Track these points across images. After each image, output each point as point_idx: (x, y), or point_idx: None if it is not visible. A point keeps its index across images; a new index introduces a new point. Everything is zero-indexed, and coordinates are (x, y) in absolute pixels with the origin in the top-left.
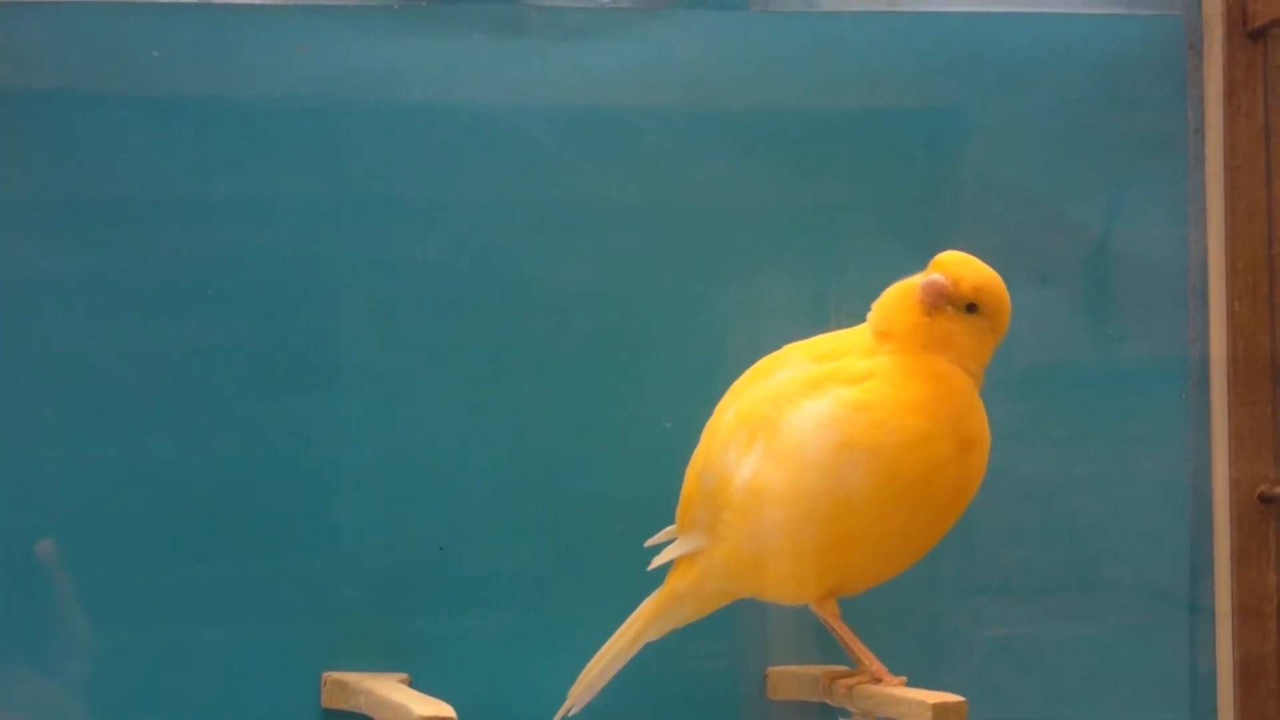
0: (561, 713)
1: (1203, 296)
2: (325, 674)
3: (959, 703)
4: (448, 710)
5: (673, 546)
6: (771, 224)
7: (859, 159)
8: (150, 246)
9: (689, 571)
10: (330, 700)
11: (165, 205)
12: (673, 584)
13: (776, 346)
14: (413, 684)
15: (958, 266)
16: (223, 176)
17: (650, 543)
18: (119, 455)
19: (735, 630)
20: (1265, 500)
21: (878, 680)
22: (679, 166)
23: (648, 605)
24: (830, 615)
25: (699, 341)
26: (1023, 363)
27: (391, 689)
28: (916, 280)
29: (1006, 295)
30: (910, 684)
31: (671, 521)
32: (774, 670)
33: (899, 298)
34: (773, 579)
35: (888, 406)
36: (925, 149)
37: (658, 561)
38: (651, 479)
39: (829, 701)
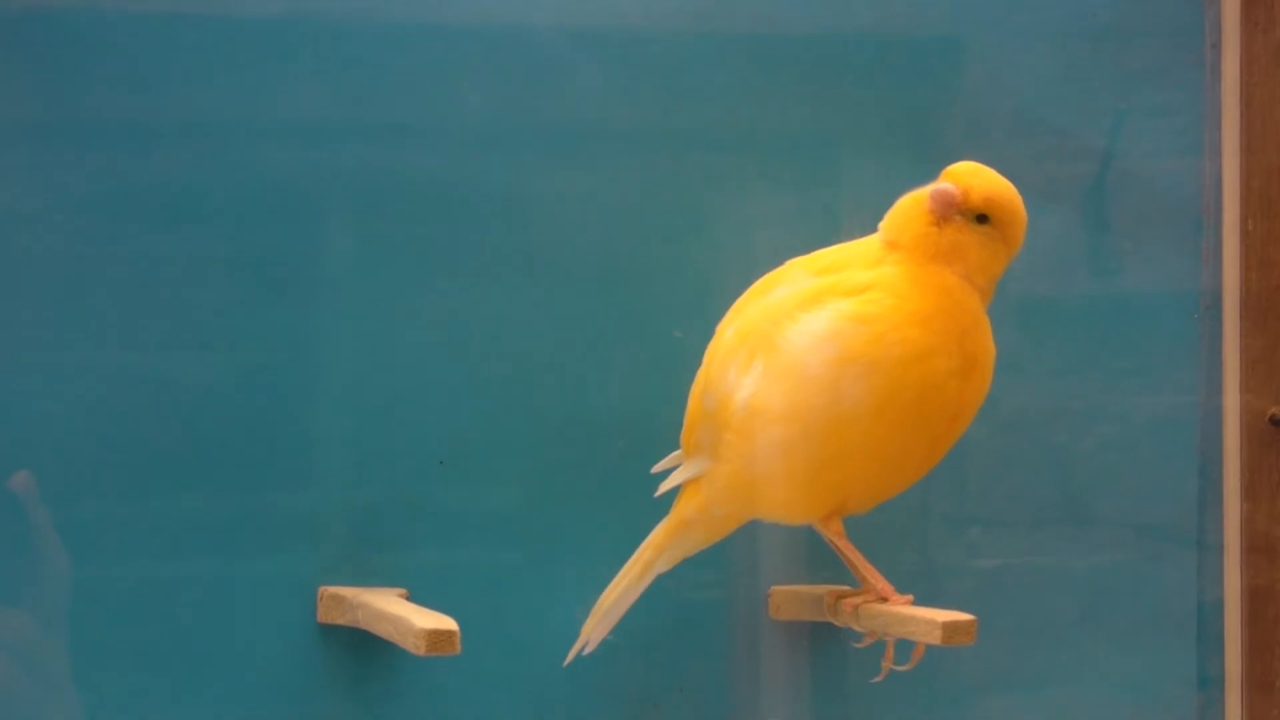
0: (575, 650)
1: (1216, 215)
2: (321, 588)
3: (969, 621)
4: (450, 623)
5: (678, 471)
6: (781, 136)
7: (869, 75)
8: (144, 162)
9: (695, 497)
10: (327, 615)
11: (155, 120)
12: (680, 510)
13: (786, 258)
14: (411, 600)
15: (969, 176)
16: (216, 91)
17: (657, 468)
18: (108, 369)
19: (736, 551)
20: (1276, 423)
21: (884, 599)
22: (684, 83)
23: (656, 534)
24: (835, 534)
25: (705, 253)
26: (1032, 284)
27: (390, 602)
28: (927, 190)
29: (1020, 207)
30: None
31: (674, 440)
32: (777, 590)
33: (908, 207)
34: (774, 499)
35: (889, 319)
36: (936, 66)
37: (664, 487)
38: (654, 395)
39: (834, 621)
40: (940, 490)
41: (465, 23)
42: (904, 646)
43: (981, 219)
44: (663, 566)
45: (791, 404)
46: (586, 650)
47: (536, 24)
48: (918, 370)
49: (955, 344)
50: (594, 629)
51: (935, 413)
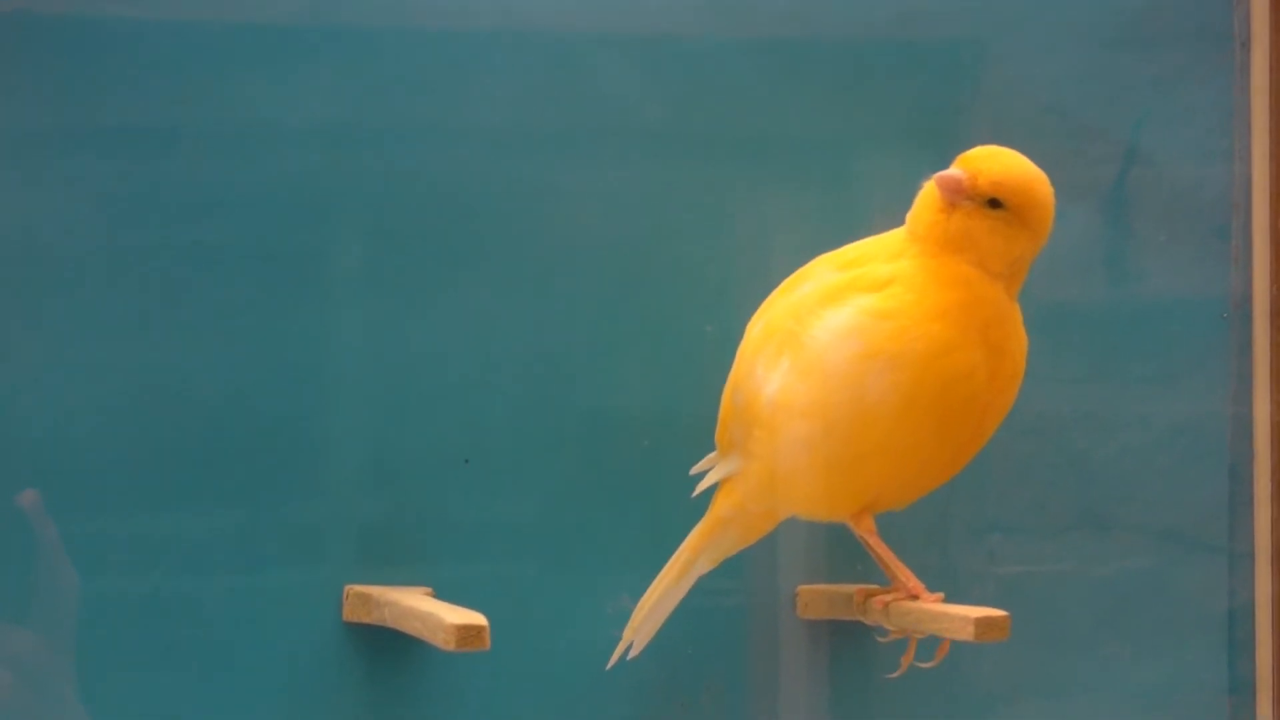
0: (618, 654)
1: (1246, 216)
2: (347, 587)
3: (1002, 617)
4: (480, 618)
5: (713, 471)
6: (808, 135)
7: (894, 75)
8: (162, 166)
9: (730, 495)
10: (352, 614)
11: (175, 123)
12: (716, 509)
13: (813, 255)
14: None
15: (979, 160)
16: (237, 92)
17: (695, 469)
18: (139, 365)
19: (763, 550)
20: None
21: (914, 597)
22: (710, 81)
23: (694, 535)
24: (867, 532)
25: (730, 251)
26: (1057, 288)
27: (418, 600)
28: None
29: (1038, 189)
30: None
31: (700, 438)
32: (805, 589)
33: (923, 195)
34: (804, 495)
35: (909, 314)
36: (961, 66)
37: (701, 487)
38: (680, 392)
39: (863, 619)
40: (962, 496)
41: (492, 23)
42: (927, 647)
43: (994, 204)
44: (703, 567)
45: (816, 400)
46: (630, 655)
47: (562, 25)
48: (940, 365)
49: (978, 337)
50: (637, 634)
51: (961, 407)
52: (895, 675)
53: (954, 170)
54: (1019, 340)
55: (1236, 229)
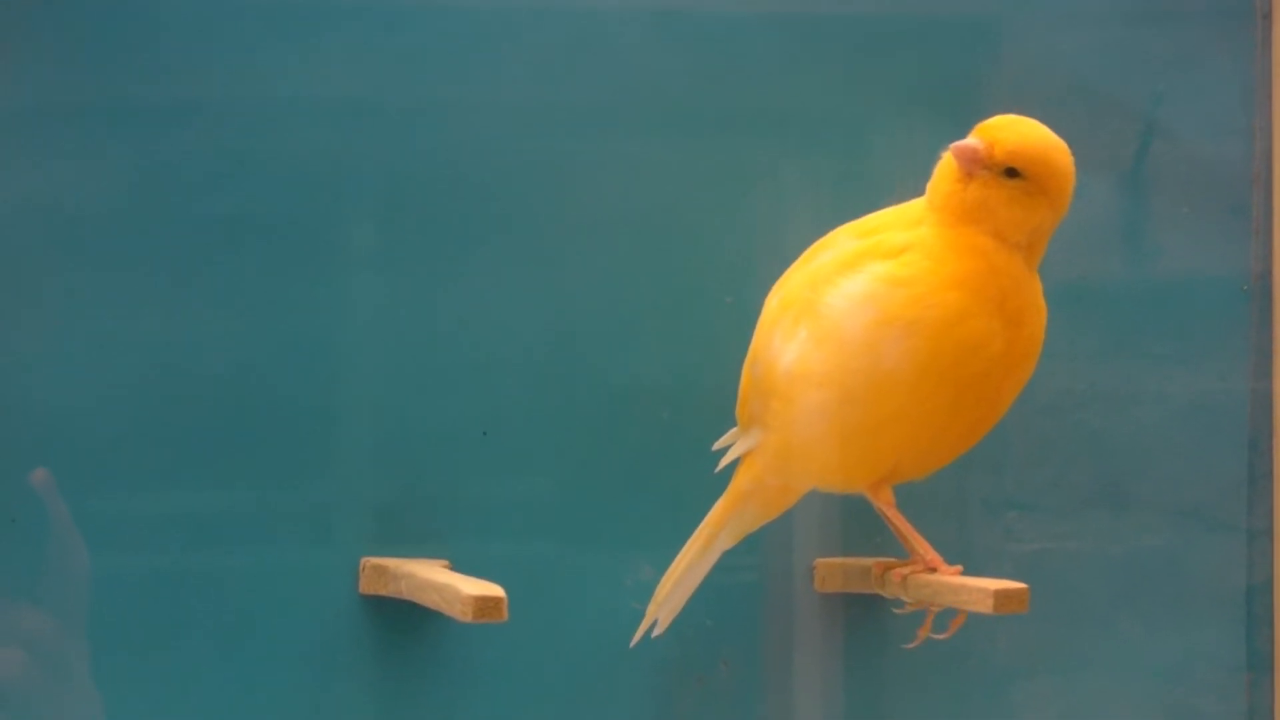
0: (642, 631)
1: (1267, 187)
2: (364, 559)
3: (1021, 589)
4: (497, 590)
5: (735, 446)
6: (826, 108)
7: (913, 49)
8: (177, 141)
9: (750, 469)
10: (369, 586)
11: (191, 97)
12: (737, 484)
13: (830, 227)
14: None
15: (997, 129)
16: (250, 67)
17: (717, 445)
18: (153, 340)
19: (780, 525)
20: None
21: (933, 569)
22: (728, 54)
23: (715, 511)
24: (885, 504)
25: (748, 223)
26: (1075, 265)
27: (436, 572)
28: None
29: (1057, 158)
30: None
31: (720, 411)
32: (822, 562)
33: (941, 165)
34: (820, 465)
35: (926, 281)
36: (980, 42)
37: (723, 464)
38: (699, 365)
39: (881, 592)
40: (980, 473)
41: None
42: (943, 620)
43: (1011, 173)
44: (725, 543)
45: (832, 368)
46: (655, 633)
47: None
48: (956, 332)
49: (995, 306)
50: (661, 611)
51: (977, 375)
52: (912, 646)
53: (971, 140)
54: (1038, 311)
55: (1257, 203)
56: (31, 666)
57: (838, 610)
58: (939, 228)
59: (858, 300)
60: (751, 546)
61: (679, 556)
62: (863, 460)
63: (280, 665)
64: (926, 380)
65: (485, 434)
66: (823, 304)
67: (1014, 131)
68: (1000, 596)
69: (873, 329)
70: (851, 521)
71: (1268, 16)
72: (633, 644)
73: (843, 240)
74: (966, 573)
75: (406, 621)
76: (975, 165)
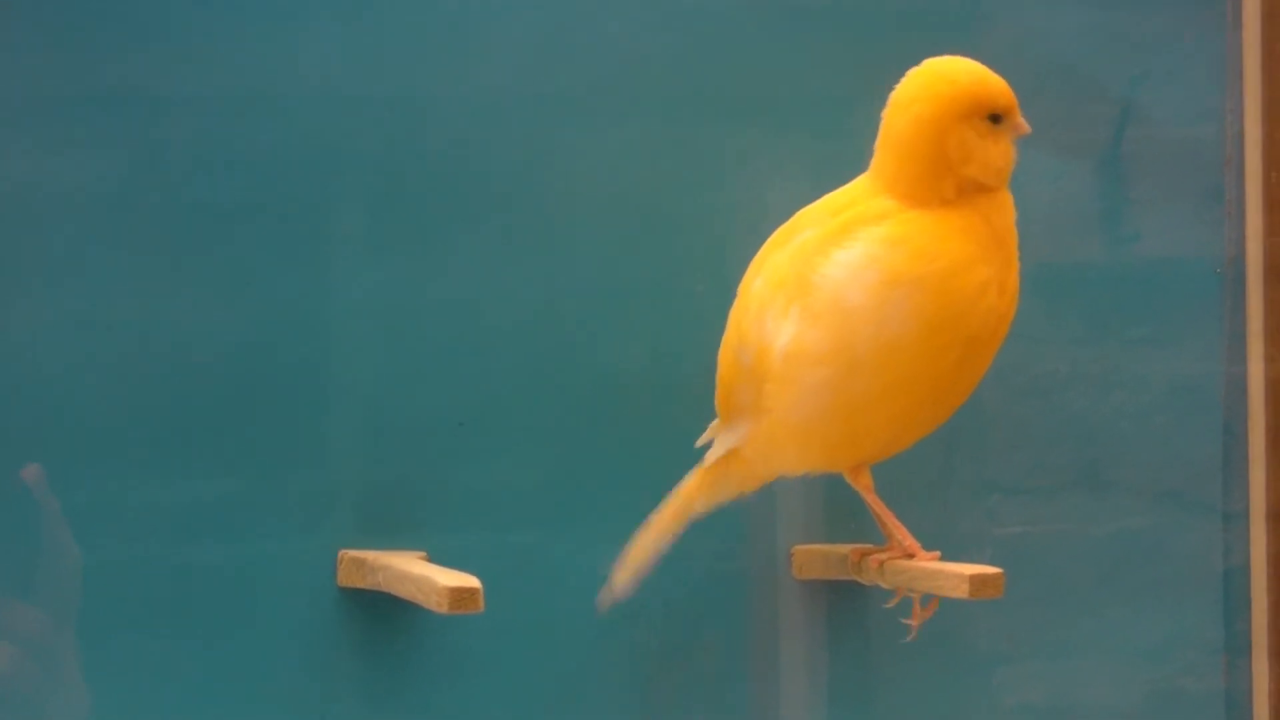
0: (605, 597)
1: (1238, 167)
2: (341, 552)
3: (996, 574)
4: (473, 581)
5: (718, 443)
6: (801, 92)
7: (888, 33)
8: (159, 128)
9: (735, 459)
10: (347, 578)
11: (175, 83)
12: (718, 466)
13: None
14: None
15: (980, 81)
16: (237, 52)
17: (699, 443)
18: (132, 330)
19: (758, 510)
20: None
21: (910, 555)
22: (700, 39)
23: (691, 481)
24: (864, 488)
25: (723, 210)
26: (1052, 249)
27: (412, 564)
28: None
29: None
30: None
31: (696, 397)
32: (800, 549)
33: (919, 155)
34: (822, 444)
35: (927, 233)
36: (955, 25)
37: (709, 459)
38: (675, 352)
39: (859, 579)
40: (961, 457)
41: None
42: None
43: (995, 119)
44: (698, 511)
45: (835, 341)
46: (617, 596)
47: None
48: (960, 281)
49: (995, 251)
50: (624, 576)
51: (979, 326)
52: (910, 638)
53: (1021, 121)
54: (1017, 264)
55: (1229, 186)
56: (11, 657)
57: (816, 597)
58: (913, 196)
59: (858, 265)
60: (730, 533)
61: (648, 522)
62: (866, 434)
63: (259, 658)
64: (935, 336)
65: (462, 424)
66: (818, 276)
67: (989, 77)
68: (976, 581)
69: (877, 291)
70: (830, 508)
71: None
72: (598, 614)
73: (817, 217)
74: (949, 557)
75: (385, 613)
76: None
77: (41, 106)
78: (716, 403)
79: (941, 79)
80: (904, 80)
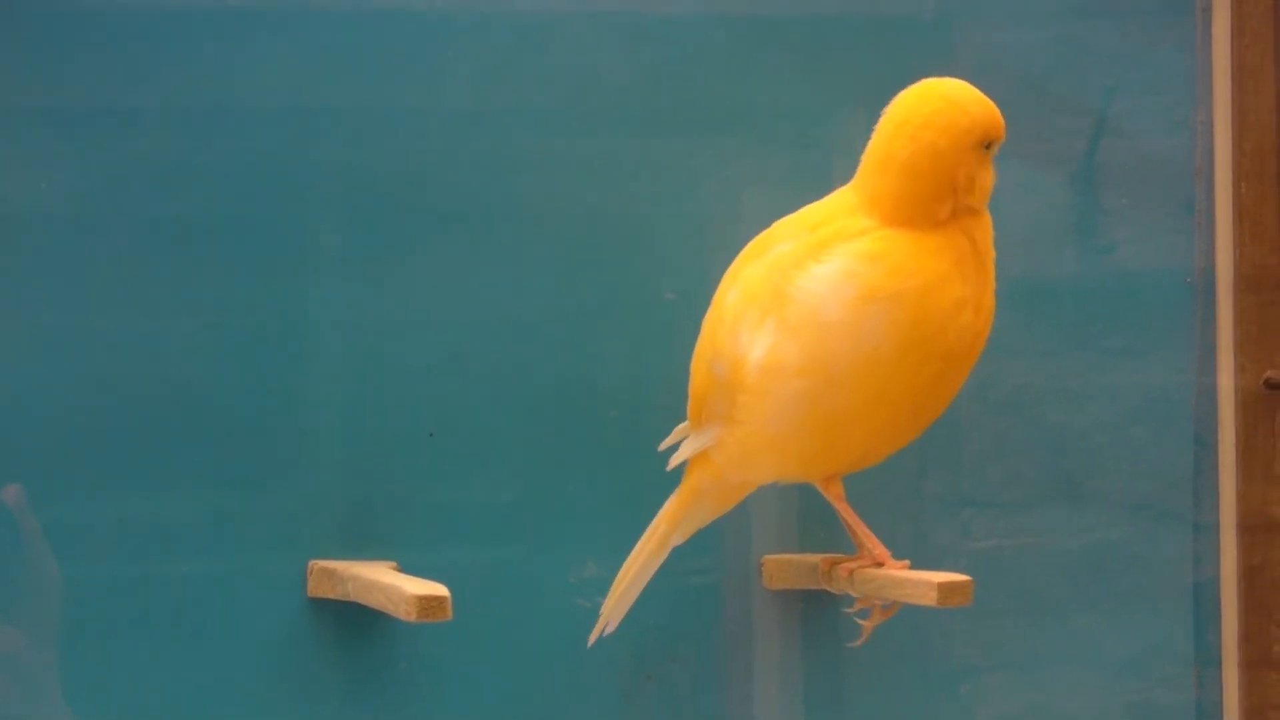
0: (597, 632)
1: (1208, 179)
2: (311, 562)
3: (965, 582)
4: (441, 589)
5: (686, 444)
6: (772, 107)
7: (860, 48)
8: (129, 145)
9: (707, 466)
10: (317, 589)
11: (143, 101)
12: (692, 481)
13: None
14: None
15: (970, 106)
16: (204, 70)
17: (664, 445)
18: (102, 346)
19: (728, 522)
20: (1271, 386)
21: (880, 564)
22: (672, 52)
23: (669, 508)
24: (835, 497)
25: (693, 220)
26: (1025, 262)
27: (381, 573)
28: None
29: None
30: None
31: (669, 407)
32: (770, 559)
33: (917, 183)
34: (797, 456)
35: (904, 250)
36: (926, 40)
37: (674, 462)
38: (646, 361)
39: (829, 588)
40: (936, 471)
41: None
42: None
43: (988, 145)
44: (678, 539)
45: (812, 355)
46: (608, 630)
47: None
48: (937, 297)
49: (974, 269)
50: (614, 609)
51: (956, 342)
52: (860, 642)
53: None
54: (993, 282)
55: (1200, 197)
56: None
57: (788, 607)
58: (893, 215)
59: (836, 280)
60: (701, 544)
61: (632, 555)
62: (841, 447)
63: (229, 668)
64: (911, 353)
65: (432, 435)
66: (795, 289)
67: (992, 106)
68: (944, 589)
69: (855, 306)
70: (801, 519)
71: (1208, 10)
72: (590, 644)
73: (793, 230)
74: (921, 569)
75: (356, 624)
76: None
77: (7, 122)
78: (689, 411)
79: (956, 108)
80: (906, 102)
